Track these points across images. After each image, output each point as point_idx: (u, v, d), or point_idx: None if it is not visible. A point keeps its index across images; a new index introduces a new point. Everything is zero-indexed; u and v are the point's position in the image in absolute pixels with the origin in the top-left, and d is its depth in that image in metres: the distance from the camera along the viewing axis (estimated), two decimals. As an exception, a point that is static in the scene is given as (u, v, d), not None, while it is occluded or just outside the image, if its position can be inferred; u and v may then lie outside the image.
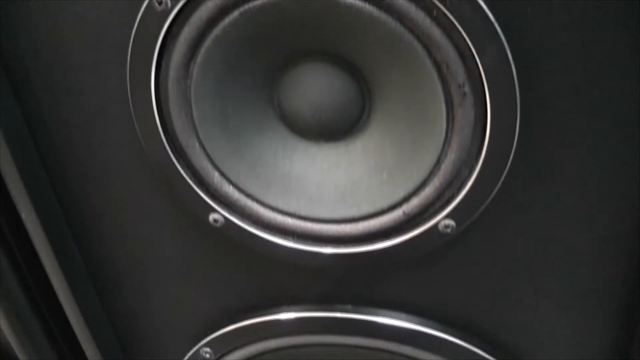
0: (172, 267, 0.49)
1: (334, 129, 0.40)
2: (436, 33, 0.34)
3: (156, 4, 0.36)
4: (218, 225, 0.43)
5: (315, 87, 0.39)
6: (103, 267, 0.50)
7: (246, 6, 0.35)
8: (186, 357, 0.53)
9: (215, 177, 0.42)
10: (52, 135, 0.44)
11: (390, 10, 0.34)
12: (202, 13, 0.36)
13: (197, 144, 0.41)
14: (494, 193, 0.38)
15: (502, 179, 0.38)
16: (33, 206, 0.45)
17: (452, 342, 0.46)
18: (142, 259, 0.49)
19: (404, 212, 0.40)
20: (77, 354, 0.57)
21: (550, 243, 0.41)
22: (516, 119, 0.35)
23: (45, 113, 0.43)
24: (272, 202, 0.42)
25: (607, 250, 0.41)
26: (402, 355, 0.47)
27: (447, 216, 0.40)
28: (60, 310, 0.53)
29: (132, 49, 0.37)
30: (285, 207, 0.42)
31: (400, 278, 0.45)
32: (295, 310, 0.47)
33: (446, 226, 0.40)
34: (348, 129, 0.40)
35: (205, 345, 0.51)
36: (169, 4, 0.36)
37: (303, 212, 0.42)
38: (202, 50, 0.37)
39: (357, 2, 0.34)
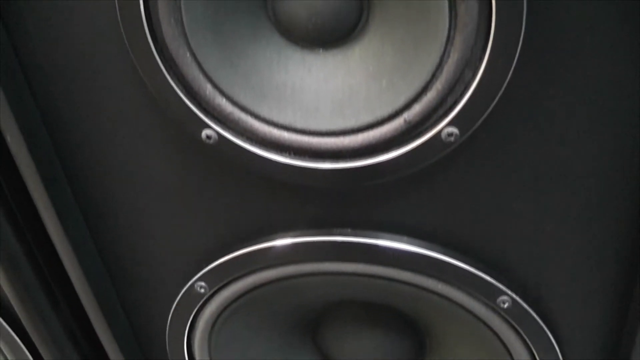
0: (164, 194, 0.47)
1: (331, 33, 0.39)
2: None
3: None
4: (211, 142, 0.42)
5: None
6: (91, 198, 0.49)
7: None
8: (180, 294, 0.51)
9: (208, 89, 0.40)
10: (36, 53, 0.43)
11: None
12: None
13: (187, 53, 0.39)
14: (498, 97, 0.37)
15: (507, 81, 0.36)
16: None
17: (456, 266, 0.44)
18: (133, 187, 0.47)
19: (405, 120, 0.39)
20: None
21: (558, 153, 0.40)
22: (522, 14, 0.34)
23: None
24: (267, 115, 0.41)
25: (617, 163, 0.40)
26: (403, 282, 0.46)
27: (450, 123, 0.38)
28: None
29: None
30: (281, 120, 0.41)
31: (401, 197, 0.43)
32: (291, 236, 0.46)
33: (449, 134, 0.39)
34: (346, 34, 0.39)
35: (200, 279, 0.50)
36: None
37: (299, 125, 0.41)
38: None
39: None
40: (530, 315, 0.46)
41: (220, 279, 0.49)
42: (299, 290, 0.50)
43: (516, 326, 0.46)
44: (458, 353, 0.54)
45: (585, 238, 0.43)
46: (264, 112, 0.41)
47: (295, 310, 0.54)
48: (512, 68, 0.36)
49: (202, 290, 0.50)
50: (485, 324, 0.47)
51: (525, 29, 0.34)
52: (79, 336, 0.61)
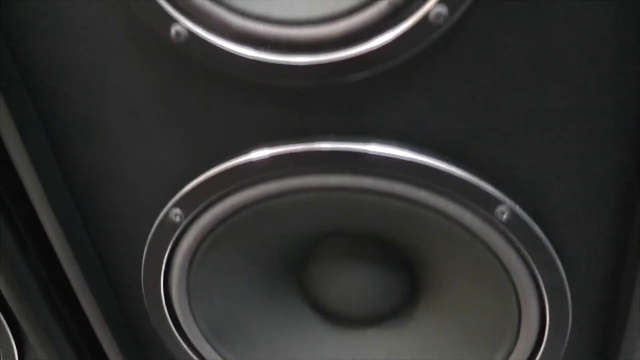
0: (132, 109, 0.44)
1: None
2: None
3: None
4: (181, 39, 0.39)
5: None
6: (57, 118, 0.46)
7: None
8: (155, 224, 0.48)
9: (175, -22, 0.37)
10: None
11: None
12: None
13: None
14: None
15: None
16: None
17: (450, 173, 0.41)
18: (97, 101, 0.44)
19: (389, 3, 0.36)
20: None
21: (561, 39, 0.37)
22: None
23: None
24: (240, 6, 0.38)
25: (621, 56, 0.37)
26: (393, 196, 0.43)
27: (438, 2, 0.35)
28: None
29: None
30: (256, 10, 0.38)
31: (387, 98, 0.40)
32: (269, 147, 0.43)
33: (437, 15, 0.36)
34: None
35: (174, 205, 0.47)
36: None
37: (275, 14, 0.38)
38: None
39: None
40: (531, 228, 0.43)
41: (195, 203, 0.46)
42: (281, 215, 0.46)
43: (516, 242, 0.43)
44: (454, 287, 0.51)
45: (589, 141, 0.40)
46: (237, 3, 0.38)
47: (278, 246, 0.51)
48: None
49: (178, 219, 0.47)
50: (483, 242, 0.44)
51: None
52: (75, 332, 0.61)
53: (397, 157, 0.41)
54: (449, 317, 0.53)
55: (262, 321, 0.56)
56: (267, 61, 0.39)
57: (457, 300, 0.52)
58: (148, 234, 0.49)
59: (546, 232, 0.43)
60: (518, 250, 0.44)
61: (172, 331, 0.56)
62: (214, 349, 0.57)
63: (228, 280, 0.53)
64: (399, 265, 0.53)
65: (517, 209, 0.42)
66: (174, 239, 0.48)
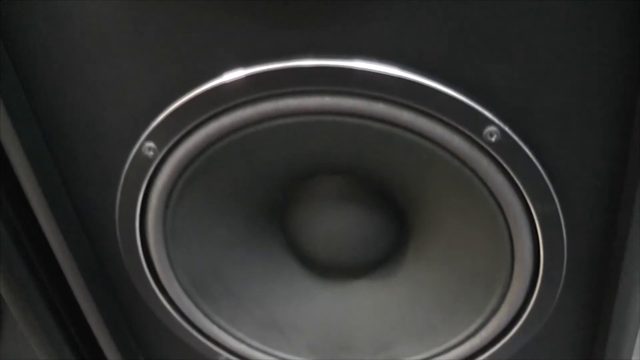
0: (100, 36, 0.42)
1: None
2: None
3: None
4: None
5: None
6: (23, 51, 0.44)
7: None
8: (128, 161, 0.46)
9: None
10: None
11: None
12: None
13: None
14: None
15: None
16: None
17: (436, 91, 0.39)
18: (66, 31, 0.42)
19: None
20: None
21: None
22: None
23: None
24: None
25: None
26: (377, 120, 0.41)
27: None
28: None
29: None
30: None
31: (370, 11, 0.38)
32: (243, 67, 0.40)
33: None
34: None
35: (147, 139, 0.45)
36: None
37: None
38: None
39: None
40: (522, 150, 0.41)
41: (169, 135, 0.44)
42: (259, 148, 0.44)
43: (506, 167, 0.41)
44: (444, 228, 0.49)
45: (585, 55, 0.38)
46: None
47: (258, 186, 0.49)
48: None
49: (151, 153, 0.45)
50: (471, 170, 0.42)
51: None
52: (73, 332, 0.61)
53: (383, 74, 0.39)
54: (440, 263, 0.51)
55: (245, 273, 0.54)
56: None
57: (448, 243, 0.49)
58: (122, 174, 0.47)
59: (538, 157, 0.41)
60: (509, 177, 0.42)
61: (150, 285, 0.53)
62: (195, 304, 0.54)
63: (206, 225, 0.50)
64: (385, 207, 0.51)
65: (507, 130, 0.40)
66: (148, 177, 0.46)
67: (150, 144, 0.45)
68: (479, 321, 0.51)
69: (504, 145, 0.41)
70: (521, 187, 0.42)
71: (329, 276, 0.56)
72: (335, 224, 0.51)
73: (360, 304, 0.55)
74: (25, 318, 0.54)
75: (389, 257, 0.54)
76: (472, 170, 0.42)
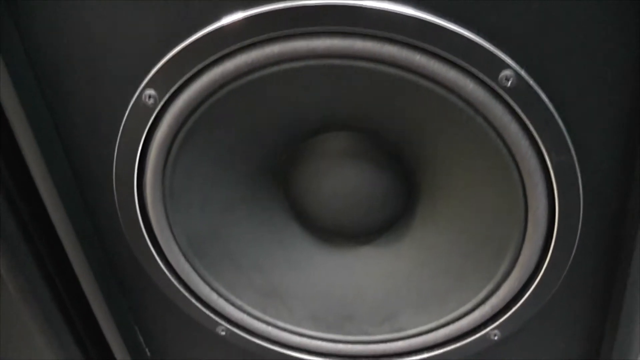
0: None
1: None
2: None
3: None
4: None
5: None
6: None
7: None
8: (127, 110, 0.44)
9: None
10: None
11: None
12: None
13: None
14: None
15: None
16: None
17: (449, 31, 0.38)
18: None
19: None
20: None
21: None
22: None
23: None
24: None
25: None
26: (386, 63, 0.40)
27: None
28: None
29: None
30: None
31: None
32: (242, 9, 0.39)
33: None
34: None
35: (147, 86, 0.43)
36: None
37: None
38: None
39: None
40: (539, 97, 0.39)
41: (170, 81, 0.42)
42: (262, 97, 0.43)
43: (522, 115, 0.40)
44: (453, 187, 0.47)
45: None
46: None
47: (260, 140, 0.47)
48: None
49: (152, 101, 0.43)
50: (485, 119, 0.41)
51: None
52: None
53: (395, 13, 0.38)
54: (449, 225, 0.49)
55: (245, 237, 0.52)
56: None
57: (458, 203, 0.48)
58: (120, 125, 0.45)
59: (554, 104, 0.40)
60: (524, 126, 0.41)
61: (148, 248, 0.52)
62: (194, 269, 0.53)
63: (206, 185, 0.49)
64: (393, 166, 0.49)
65: (523, 74, 0.39)
66: (147, 128, 0.45)
67: (151, 92, 0.43)
68: (489, 287, 0.49)
69: (520, 90, 0.39)
70: (536, 136, 0.41)
71: (333, 242, 0.54)
72: (340, 184, 0.50)
73: (365, 272, 0.54)
74: (15, 279, 0.52)
75: (395, 221, 0.52)
76: (486, 119, 0.41)
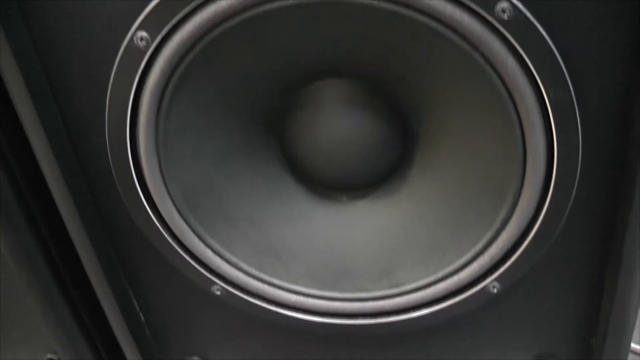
0: None
1: None
2: None
3: None
4: None
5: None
6: None
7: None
8: (119, 53, 0.44)
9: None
10: None
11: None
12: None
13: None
14: None
15: None
16: None
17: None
18: None
19: None
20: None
21: None
22: None
23: None
24: None
25: None
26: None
27: None
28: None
29: None
30: None
31: None
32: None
33: None
34: None
35: (139, 28, 0.43)
36: None
37: None
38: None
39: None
40: (536, 30, 0.39)
41: (161, 23, 0.42)
42: (257, 37, 0.43)
43: (519, 50, 0.40)
44: (450, 132, 0.47)
45: None
46: None
47: (255, 87, 0.47)
48: None
49: (144, 44, 0.43)
50: (482, 55, 0.40)
51: None
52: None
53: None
54: (447, 173, 0.49)
55: (240, 191, 0.52)
56: None
57: (455, 149, 0.48)
58: (112, 70, 0.45)
59: (552, 37, 0.40)
60: (521, 61, 0.40)
61: (141, 202, 0.51)
62: (188, 224, 0.52)
63: (201, 134, 0.49)
64: (390, 114, 0.49)
65: (520, 5, 0.39)
66: (140, 72, 0.44)
67: (143, 34, 0.43)
68: (488, 235, 0.49)
69: (517, 23, 0.39)
70: (534, 71, 0.41)
71: (329, 196, 0.54)
72: (336, 134, 0.50)
73: (362, 226, 0.54)
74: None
75: (392, 172, 0.52)
76: (483, 55, 0.41)
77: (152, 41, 0.43)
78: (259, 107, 0.49)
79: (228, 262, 0.54)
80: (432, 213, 0.51)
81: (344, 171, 0.51)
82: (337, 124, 0.49)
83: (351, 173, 0.52)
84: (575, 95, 0.42)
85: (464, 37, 0.40)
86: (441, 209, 0.50)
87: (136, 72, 0.45)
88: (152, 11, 0.42)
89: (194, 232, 0.53)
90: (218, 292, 0.56)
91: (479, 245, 0.50)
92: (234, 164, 0.51)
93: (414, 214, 0.52)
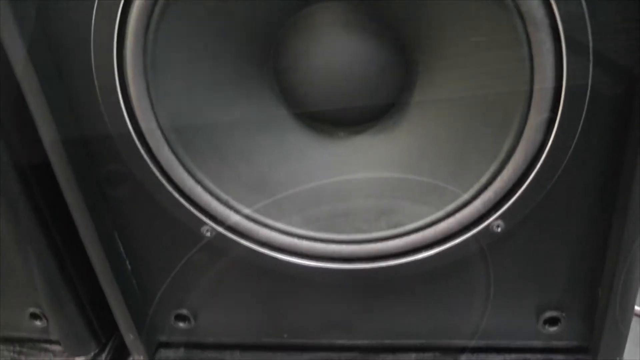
0: None
1: None
2: None
3: None
4: None
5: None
6: None
7: None
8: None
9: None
10: None
11: None
12: None
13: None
14: None
15: None
16: None
17: None
18: None
19: None
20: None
21: None
22: None
23: None
24: None
25: None
26: None
27: None
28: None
29: None
30: None
31: None
32: None
33: None
34: None
35: None
36: None
37: None
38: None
39: None
40: None
41: None
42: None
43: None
44: (453, 54, 0.46)
45: None
46: None
47: (248, 9, 0.45)
48: None
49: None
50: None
51: None
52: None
53: None
54: (448, 102, 0.48)
55: (233, 124, 0.50)
56: None
57: (457, 75, 0.46)
58: None
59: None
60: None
61: (127, 130, 0.49)
62: (177, 157, 0.50)
63: (190, 59, 0.47)
64: (389, 38, 0.47)
65: None
66: None
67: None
68: (492, 168, 0.48)
69: None
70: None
71: (325, 131, 0.52)
72: (333, 61, 0.48)
73: (360, 163, 0.52)
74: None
75: (392, 105, 0.50)
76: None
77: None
78: (251, 32, 0.47)
79: (218, 199, 0.52)
80: (434, 148, 0.50)
81: (341, 102, 0.50)
82: (334, 50, 0.48)
83: (348, 104, 0.50)
84: (587, 9, 0.40)
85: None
86: (443, 143, 0.49)
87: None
88: None
89: (183, 165, 0.51)
90: (208, 234, 0.55)
91: (483, 180, 0.48)
92: (226, 92, 0.49)
93: (415, 149, 0.50)
